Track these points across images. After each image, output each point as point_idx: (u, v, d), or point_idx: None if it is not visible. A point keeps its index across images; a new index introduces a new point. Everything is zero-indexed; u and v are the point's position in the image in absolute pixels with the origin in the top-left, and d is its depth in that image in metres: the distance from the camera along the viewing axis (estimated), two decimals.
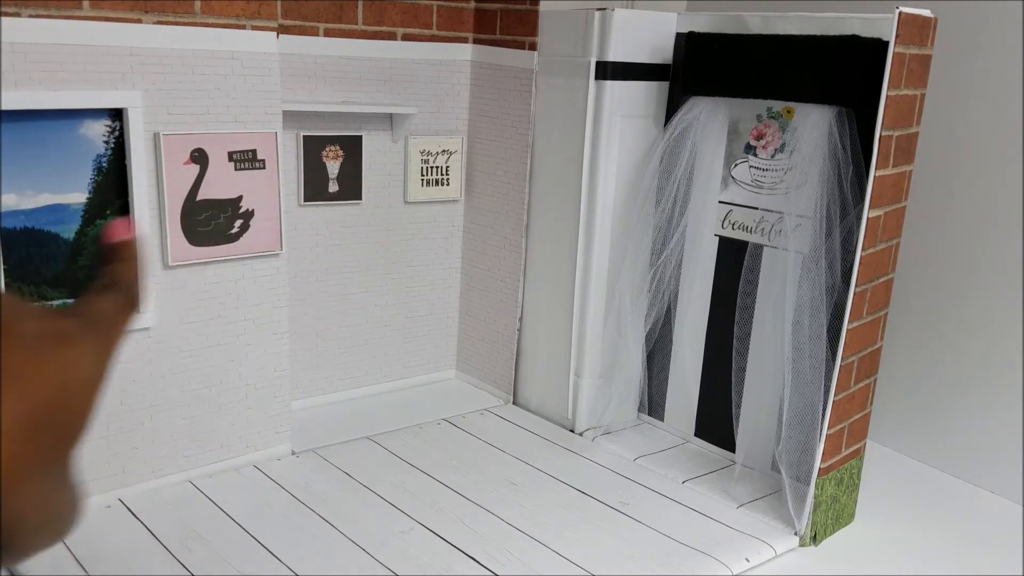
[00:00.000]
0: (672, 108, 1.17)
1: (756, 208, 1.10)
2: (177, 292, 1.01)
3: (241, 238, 1.03)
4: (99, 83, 0.91)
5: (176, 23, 0.95)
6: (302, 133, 1.19)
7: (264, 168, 1.04)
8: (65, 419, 0.32)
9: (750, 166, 1.10)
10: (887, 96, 0.89)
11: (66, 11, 0.88)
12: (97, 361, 0.34)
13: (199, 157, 0.99)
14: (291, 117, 1.14)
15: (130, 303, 0.38)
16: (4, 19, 0.85)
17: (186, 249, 1.00)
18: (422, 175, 1.30)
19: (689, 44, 1.12)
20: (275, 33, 1.02)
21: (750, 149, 1.10)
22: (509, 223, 1.30)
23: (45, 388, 0.31)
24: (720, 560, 0.94)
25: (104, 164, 0.94)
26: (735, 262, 1.12)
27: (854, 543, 1.03)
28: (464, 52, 1.30)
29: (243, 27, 0.99)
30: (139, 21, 0.93)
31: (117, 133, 0.94)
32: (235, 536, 0.94)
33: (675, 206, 1.16)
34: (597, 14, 1.13)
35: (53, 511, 0.33)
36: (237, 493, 1.03)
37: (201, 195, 1.00)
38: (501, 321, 1.34)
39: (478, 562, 0.92)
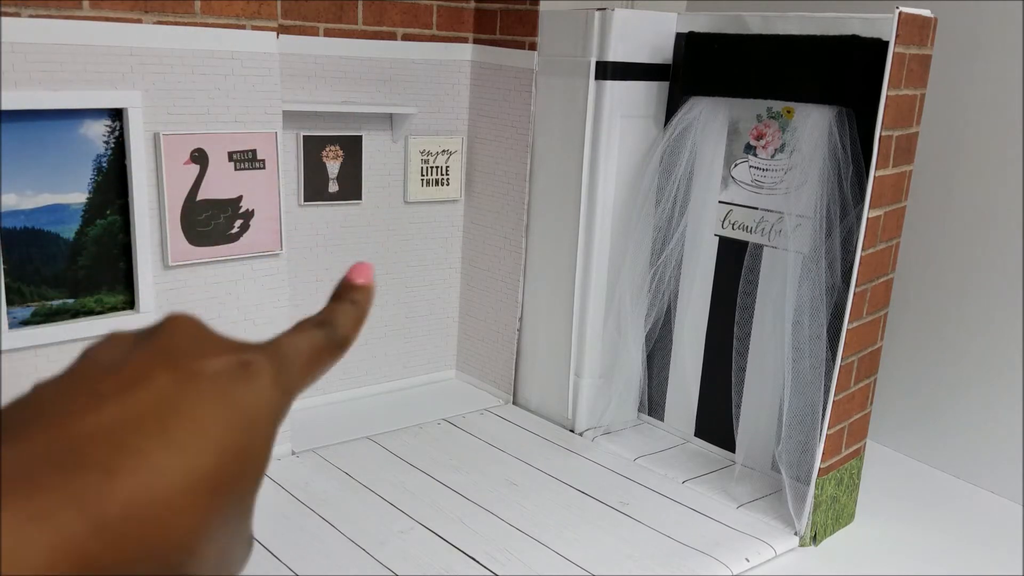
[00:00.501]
0: (672, 108, 1.17)
1: (756, 208, 1.10)
2: (177, 292, 1.01)
3: (241, 238, 1.03)
4: (99, 83, 0.91)
5: (176, 23, 0.95)
6: (302, 133, 1.19)
7: (264, 168, 1.04)
8: (249, 466, 0.29)
9: (750, 166, 1.10)
10: (887, 96, 0.89)
11: (66, 11, 0.88)
12: (277, 397, 0.31)
13: (199, 157, 0.99)
14: (291, 117, 1.14)
15: (336, 347, 0.35)
16: (4, 19, 0.85)
17: (186, 249, 1.00)
18: (422, 175, 1.30)
19: (689, 44, 1.12)
20: (275, 33, 1.02)
21: (750, 149, 1.10)
22: (509, 223, 1.30)
23: (233, 435, 0.28)
24: (720, 560, 0.94)
25: (104, 164, 0.94)
26: (735, 262, 1.12)
27: (854, 543, 1.03)
28: (464, 52, 1.30)
29: (243, 27, 0.99)
30: (139, 21, 0.93)
31: (117, 133, 0.94)
32: None
33: (675, 206, 1.16)
34: (597, 14, 1.13)
35: (229, 560, 0.30)
36: None
37: (201, 195, 1.00)
38: (501, 321, 1.34)
39: (478, 562, 0.92)
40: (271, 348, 0.32)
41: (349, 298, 0.37)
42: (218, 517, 0.27)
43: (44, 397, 0.27)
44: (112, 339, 0.30)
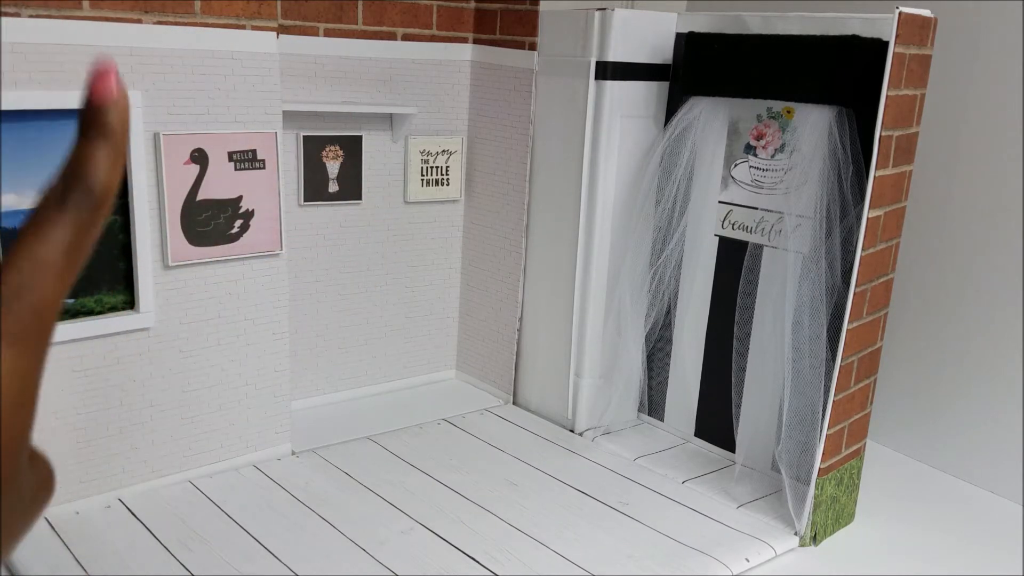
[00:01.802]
0: (672, 108, 1.17)
1: (756, 208, 1.10)
2: (177, 292, 1.01)
3: (241, 238, 1.03)
4: None
5: (176, 23, 0.95)
6: (302, 133, 1.19)
7: (264, 168, 1.04)
8: None
9: (750, 166, 1.10)
10: (887, 96, 0.89)
11: (66, 11, 0.88)
12: (11, 360, 0.25)
13: (199, 157, 0.99)
14: (291, 117, 1.14)
15: (95, 209, 0.27)
16: (4, 19, 0.85)
17: (186, 249, 1.00)
18: (422, 175, 1.30)
19: (689, 44, 1.12)
20: (275, 33, 1.02)
21: (750, 149, 1.10)
22: (509, 223, 1.30)
23: None
24: (720, 560, 0.94)
25: None
26: (735, 262, 1.12)
27: (854, 543, 1.03)
28: (464, 52, 1.30)
29: (243, 27, 0.99)
30: (139, 21, 0.93)
31: None
32: (235, 536, 0.94)
33: (675, 206, 1.16)
34: (597, 14, 1.13)
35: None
36: (237, 493, 1.03)
37: (201, 195, 1.00)
38: (501, 321, 1.34)
39: (478, 562, 0.92)
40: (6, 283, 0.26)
41: (99, 132, 0.28)
42: None
43: None
44: None
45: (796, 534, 1.00)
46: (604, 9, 1.12)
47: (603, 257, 1.21)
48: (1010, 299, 1.13)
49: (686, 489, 1.10)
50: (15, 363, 0.25)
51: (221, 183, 1.01)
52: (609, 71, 1.14)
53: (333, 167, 1.23)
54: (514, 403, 1.35)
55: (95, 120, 0.28)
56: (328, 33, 1.18)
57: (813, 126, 1.01)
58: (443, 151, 1.31)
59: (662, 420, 1.26)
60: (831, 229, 1.00)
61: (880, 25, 0.93)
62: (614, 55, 1.13)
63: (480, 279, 1.37)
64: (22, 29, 0.86)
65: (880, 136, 0.90)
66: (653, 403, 1.27)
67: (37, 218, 0.27)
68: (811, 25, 1.00)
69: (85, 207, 0.27)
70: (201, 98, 0.98)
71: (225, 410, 1.08)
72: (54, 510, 0.95)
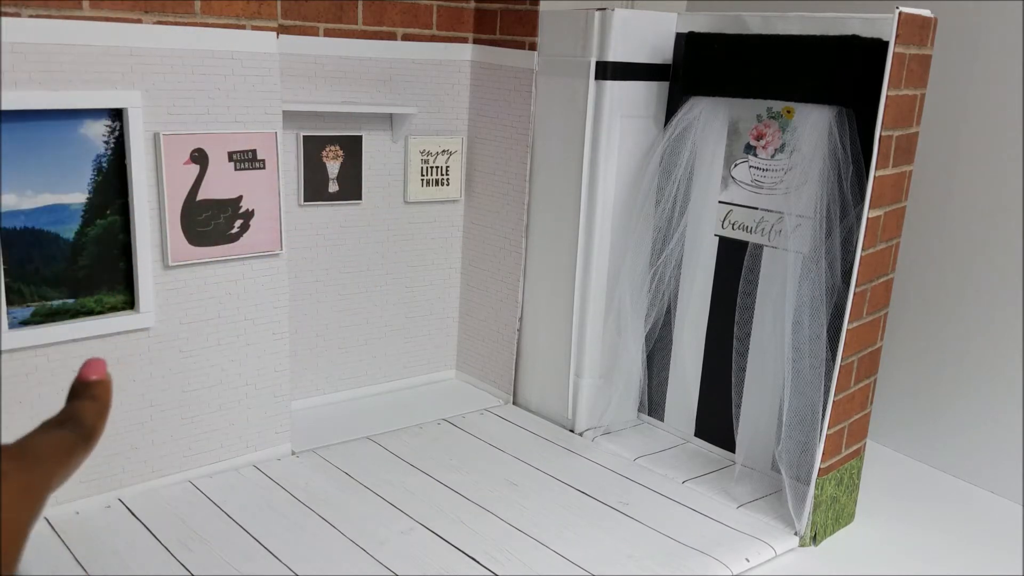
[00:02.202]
0: (672, 108, 1.17)
1: (756, 208, 1.10)
2: (177, 292, 1.01)
3: (241, 238, 1.03)
4: (99, 83, 0.91)
5: (176, 23, 0.95)
6: (302, 133, 1.19)
7: (264, 168, 1.04)
8: None
9: (750, 166, 1.10)
10: (887, 96, 0.89)
11: (66, 11, 0.88)
12: (23, 499, 0.33)
13: (199, 157, 0.99)
14: (291, 117, 1.14)
15: (83, 442, 0.38)
16: (4, 19, 0.85)
17: (186, 249, 1.00)
18: (422, 175, 1.30)
19: (689, 44, 1.12)
20: (275, 33, 1.02)
21: (750, 149, 1.10)
22: (509, 223, 1.30)
23: None
24: (720, 560, 0.94)
25: (104, 164, 0.94)
26: (735, 262, 1.12)
27: (854, 543, 1.03)
28: (464, 52, 1.30)
29: (243, 27, 0.99)
30: (139, 21, 0.93)
31: (117, 133, 0.94)
32: (235, 536, 0.94)
33: (675, 206, 1.16)
34: (597, 14, 1.13)
35: None
36: (237, 493, 1.03)
37: (201, 195, 1.00)
38: (501, 321, 1.34)
39: (478, 562, 0.92)
40: (18, 452, 0.34)
41: (88, 394, 0.39)
42: None
43: None
44: None
45: (796, 534, 1.00)
46: (604, 9, 1.12)
47: (603, 257, 1.21)
48: (1010, 299, 1.13)
49: (686, 489, 1.10)
50: (20, 500, 0.33)
51: (221, 183, 1.01)
52: (609, 71, 1.14)
53: (333, 167, 1.23)
54: (514, 403, 1.35)
55: (86, 388, 0.40)
56: (328, 33, 1.18)
57: (813, 126, 1.01)
58: (443, 151, 1.31)
59: (662, 420, 1.26)
60: (831, 229, 1.00)
61: (880, 25, 0.93)
62: (614, 55, 1.13)
63: (480, 279, 1.37)
64: (22, 29, 0.86)
65: (880, 136, 0.90)
66: (653, 403, 1.27)
67: (41, 428, 0.37)
68: (811, 25, 1.00)
69: (77, 432, 0.37)
70: (201, 98, 0.98)
71: (225, 410, 1.08)
72: (54, 510, 0.95)
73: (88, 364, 0.40)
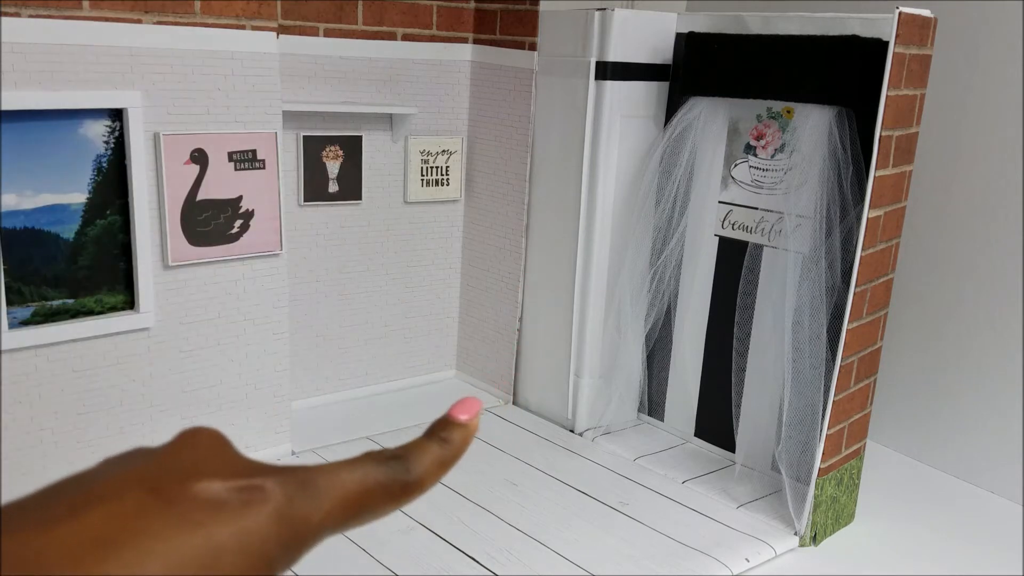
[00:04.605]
0: (672, 108, 1.17)
1: (756, 208, 1.10)
2: (177, 292, 1.01)
3: (241, 238, 1.04)
4: (99, 83, 0.91)
5: (176, 23, 0.95)
6: (302, 133, 1.19)
7: (264, 168, 1.04)
8: None
9: (750, 166, 1.10)
10: (887, 96, 0.89)
11: (66, 11, 0.88)
12: (277, 531, 0.27)
13: (199, 157, 0.99)
14: (291, 117, 1.14)
15: (402, 489, 0.31)
16: (4, 19, 0.85)
17: (186, 249, 1.00)
18: (422, 175, 1.30)
19: (689, 44, 1.12)
20: (275, 33, 1.02)
21: (750, 149, 1.10)
22: (509, 223, 1.30)
23: (189, 567, 0.25)
24: (720, 560, 0.94)
25: (104, 164, 0.94)
26: (735, 262, 1.12)
27: (854, 543, 1.03)
28: (464, 52, 1.30)
29: (243, 27, 0.99)
30: (139, 21, 0.93)
31: (117, 133, 0.94)
32: None
33: (675, 206, 1.16)
34: (597, 14, 1.13)
35: None
36: None
37: (201, 195, 1.00)
38: (501, 321, 1.34)
39: (478, 562, 0.92)
40: (294, 476, 0.29)
41: (440, 435, 0.33)
42: None
43: (28, 505, 0.26)
44: (134, 452, 0.29)
45: (796, 534, 1.00)
46: (604, 9, 1.12)
47: (603, 257, 1.21)
48: (1010, 299, 1.13)
49: (686, 489, 1.10)
50: (278, 542, 0.27)
51: (221, 183, 1.01)
52: (609, 71, 1.14)
53: (333, 167, 1.23)
54: (514, 403, 1.35)
55: (445, 429, 0.33)
56: (328, 33, 1.18)
57: (813, 126, 1.01)
58: (443, 151, 1.31)
59: (662, 420, 1.26)
60: (831, 229, 1.00)
61: (880, 25, 0.93)
62: (614, 55, 1.13)
63: (480, 279, 1.37)
64: (22, 29, 0.86)
65: (880, 136, 0.90)
66: (653, 403, 1.27)
67: (356, 458, 0.31)
68: (811, 25, 1.00)
69: (397, 478, 0.31)
70: (201, 98, 0.98)
71: (225, 410, 1.08)
72: None
73: (462, 402, 0.34)
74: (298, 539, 0.28)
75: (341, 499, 0.29)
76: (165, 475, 0.27)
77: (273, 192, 1.05)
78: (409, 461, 0.31)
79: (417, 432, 0.34)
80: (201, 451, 0.29)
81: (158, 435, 1.02)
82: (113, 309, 0.98)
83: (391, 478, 0.31)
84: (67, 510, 0.25)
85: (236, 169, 1.02)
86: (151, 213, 0.97)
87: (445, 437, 0.32)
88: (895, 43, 0.88)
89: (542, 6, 1.20)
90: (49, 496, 0.26)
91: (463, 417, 0.33)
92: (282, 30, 1.09)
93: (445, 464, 0.32)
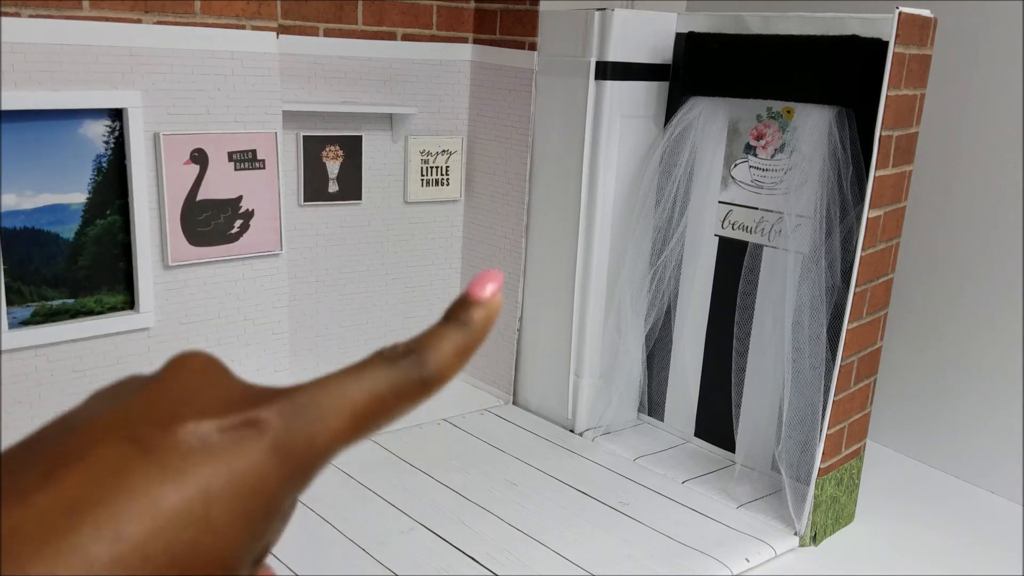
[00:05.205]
0: (672, 108, 1.17)
1: (756, 208, 1.10)
2: (177, 292, 1.01)
3: (241, 238, 1.04)
4: (99, 83, 0.91)
5: (176, 23, 0.95)
6: (302, 133, 1.19)
7: (264, 168, 1.04)
8: (201, 559, 0.23)
9: (750, 166, 1.10)
10: (887, 96, 0.89)
11: (66, 11, 0.88)
12: (274, 467, 0.25)
13: (199, 157, 0.99)
14: (291, 117, 1.14)
15: (420, 386, 0.27)
16: (4, 19, 0.85)
17: (186, 249, 1.00)
18: (422, 175, 1.30)
19: (689, 44, 1.12)
20: (275, 33, 1.02)
21: (750, 149, 1.10)
22: (509, 223, 1.30)
23: (171, 530, 0.23)
24: (720, 560, 0.94)
25: (104, 164, 0.94)
26: (735, 262, 1.12)
27: (854, 543, 1.03)
28: (464, 52, 1.30)
29: (243, 27, 0.99)
30: (139, 21, 0.93)
31: (117, 133, 0.94)
32: None
33: (675, 206, 1.16)
34: (597, 14, 1.13)
35: None
36: None
37: (201, 195, 1.00)
38: (501, 321, 1.34)
39: (478, 562, 0.92)
40: (291, 400, 0.26)
41: (460, 318, 0.29)
42: None
43: (9, 467, 0.24)
44: (125, 383, 0.27)
45: (796, 534, 1.00)
46: (604, 9, 1.12)
47: (603, 257, 1.21)
48: (1010, 299, 1.13)
49: (686, 489, 1.10)
50: (264, 477, 0.25)
51: (221, 183, 1.01)
52: (609, 71, 1.14)
53: (333, 167, 1.23)
54: (514, 403, 1.35)
55: (461, 310, 0.29)
56: (328, 33, 1.18)
57: (813, 126, 1.01)
58: (443, 151, 1.31)
59: (662, 420, 1.26)
60: (831, 229, 1.00)
61: (880, 25, 0.93)
62: (614, 55, 1.13)
63: None
64: (22, 29, 0.86)
65: (880, 136, 0.90)
66: (653, 403, 1.27)
67: (364, 361, 0.27)
68: (811, 25, 1.00)
69: (411, 376, 0.27)
70: (201, 98, 0.98)
71: None
72: None
73: (481, 277, 0.29)
74: (303, 468, 0.26)
75: (349, 415, 0.26)
76: (148, 417, 0.25)
77: (273, 192, 1.05)
78: (424, 354, 0.27)
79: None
80: (193, 381, 0.26)
81: None
82: (113, 309, 0.98)
83: (405, 378, 0.27)
84: (41, 476, 0.23)
85: (236, 169, 1.02)
86: (151, 213, 0.97)
87: (464, 319, 0.29)
88: (895, 43, 0.88)
89: (542, 6, 1.20)
90: (30, 452, 0.24)
91: (484, 294, 0.29)
92: (282, 30, 1.09)
93: (467, 350, 0.28)
